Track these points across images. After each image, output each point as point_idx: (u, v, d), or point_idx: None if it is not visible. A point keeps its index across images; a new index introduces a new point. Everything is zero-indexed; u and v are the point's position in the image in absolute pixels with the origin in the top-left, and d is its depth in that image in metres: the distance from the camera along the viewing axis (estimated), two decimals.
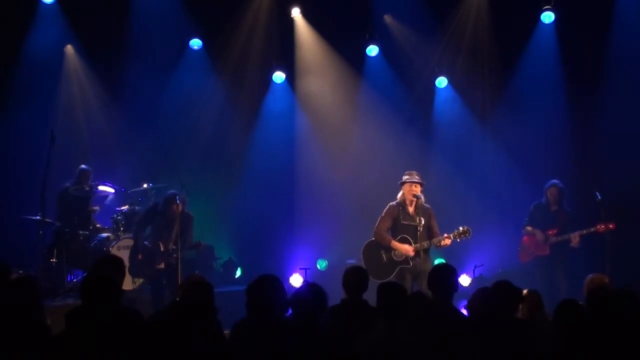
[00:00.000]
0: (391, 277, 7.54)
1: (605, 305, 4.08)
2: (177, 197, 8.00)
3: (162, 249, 8.11)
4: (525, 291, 5.15)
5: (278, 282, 4.39)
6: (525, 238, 8.79)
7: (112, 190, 9.55)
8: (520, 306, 5.07)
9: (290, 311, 4.41)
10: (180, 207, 7.97)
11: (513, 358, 4.32)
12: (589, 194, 8.34)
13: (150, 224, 8.35)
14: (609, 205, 8.19)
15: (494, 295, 4.73)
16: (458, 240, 7.62)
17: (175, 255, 7.85)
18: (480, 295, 4.85)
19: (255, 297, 4.34)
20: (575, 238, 8.29)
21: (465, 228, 7.58)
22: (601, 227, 8.12)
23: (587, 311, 4.23)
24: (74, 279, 9.03)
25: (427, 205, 7.83)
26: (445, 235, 7.58)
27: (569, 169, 9.31)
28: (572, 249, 8.34)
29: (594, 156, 9.59)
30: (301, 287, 4.53)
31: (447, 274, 5.04)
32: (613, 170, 9.09)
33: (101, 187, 9.34)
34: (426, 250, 7.65)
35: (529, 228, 8.73)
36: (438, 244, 7.60)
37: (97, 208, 9.45)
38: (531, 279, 8.25)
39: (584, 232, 8.26)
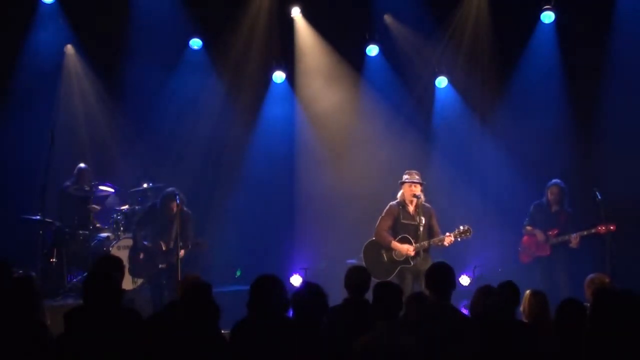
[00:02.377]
0: (392, 277, 7.55)
1: (610, 305, 4.06)
2: (176, 195, 8.00)
3: (163, 249, 8.11)
4: (528, 291, 5.15)
5: (278, 282, 4.39)
6: (525, 238, 8.77)
7: (112, 190, 9.55)
8: (525, 307, 5.06)
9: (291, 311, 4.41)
10: (178, 206, 7.98)
11: (514, 358, 4.31)
12: (589, 194, 8.33)
13: (149, 223, 8.35)
14: (610, 205, 8.18)
15: (499, 295, 4.73)
16: (459, 239, 7.63)
17: (176, 255, 7.85)
18: (482, 294, 4.84)
19: (256, 296, 4.34)
20: (575, 239, 8.28)
21: (466, 227, 7.59)
22: (602, 228, 8.08)
23: (591, 311, 4.21)
24: (74, 279, 9.02)
25: (428, 205, 7.84)
26: (447, 234, 7.59)
27: (569, 169, 9.31)
28: (573, 249, 8.33)
29: (594, 156, 9.59)
30: (300, 287, 4.53)
31: (445, 273, 5.03)
32: (614, 170, 9.08)
33: (101, 187, 9.34)
34: (427, 250, 7.66)
35: (529, 228, 8.72)
36: (439, 243, 7.60)
37: (97, 207, 9.45)
38: (531, 279, 8.24)
39: (585, 233, 8.25)
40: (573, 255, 8.39)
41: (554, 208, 8.66)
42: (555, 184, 8.65)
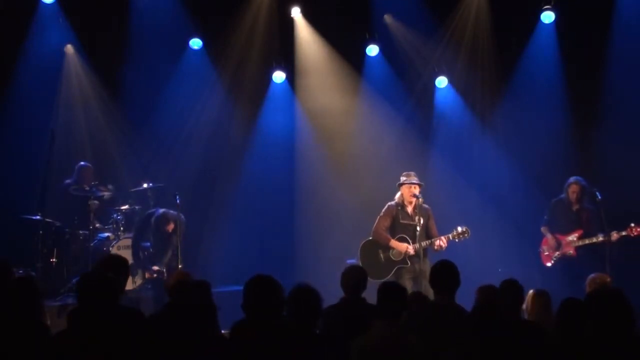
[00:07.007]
0: (389, 277, 7.54)
1: (605, 304, 4.06)
2: (168, 218, 8.02)
3: (155, 269, 8.19)
4: (532, 291, 5.14)
5: (273, 282, 4.36)
6: (545, 240, 8.51)
7: (111, 191, 9.54)
8: (527, 306, 5.06)
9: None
10: (172, 226, 8.03)
11: (516, 358, 4.31)
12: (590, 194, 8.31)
13: (146, 234, 8.43)
14: (610, 205, 8.16)
15: (501, 294, 4.73)
16: (457, 240, 7.61)
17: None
18: (483, 293, 4.84)
19: (250, 297, 4.32)
20: (612, 236, 7.86)
21: (464, 228, 7.56)
22: (635, 229, 7.83)
23: (589, 310, 4.22)
24: (74, 279, 9.02)
25: (426, 206, 7.84)
26: (443, 237, 7.55)
27: (569, 169, 9.30)
28: (599, 250, 8.05)
29: (595, 156, 9.58)
30: (293, 288, 4.47)
31: (450, 271, 5.01)
32: (614, 170, 9.08)
33: (101, 187, 9.33)
34: (425, 251, 7.64)
35: (543, 229, 8.49)
36: (434, 246, 7.56)
37: (96, 202, 9.42)
38: (532, 279, 8.20)
39: (615, 234, 7.87)
40: (599, 255, 8.07)
41: (575, 206, 8.37)
42: (576, 181, 8.34)
